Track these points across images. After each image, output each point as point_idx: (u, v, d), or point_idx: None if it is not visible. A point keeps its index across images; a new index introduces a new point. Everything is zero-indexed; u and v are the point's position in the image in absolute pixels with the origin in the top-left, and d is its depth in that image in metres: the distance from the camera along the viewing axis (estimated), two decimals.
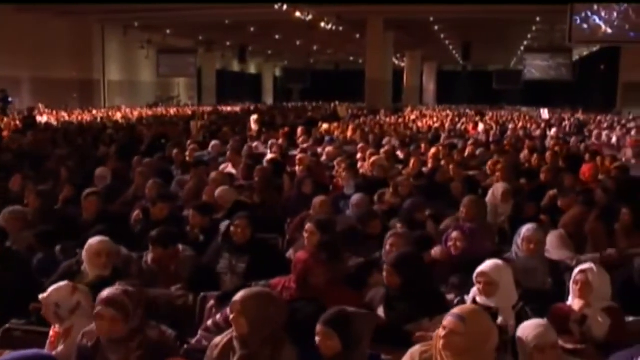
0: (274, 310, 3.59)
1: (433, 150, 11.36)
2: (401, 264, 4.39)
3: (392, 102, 41.30)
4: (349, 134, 17.66)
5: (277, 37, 43.52)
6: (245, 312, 3.51)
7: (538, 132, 20.43)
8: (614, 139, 24.67)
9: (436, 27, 38.63)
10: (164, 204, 6.81)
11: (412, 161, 10.33)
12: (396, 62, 51.94)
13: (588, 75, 50.60)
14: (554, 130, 21.03)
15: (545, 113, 29.44)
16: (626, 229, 6.66)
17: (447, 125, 22.60)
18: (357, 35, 39.73)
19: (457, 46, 45.31)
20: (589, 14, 23.32)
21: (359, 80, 38.92)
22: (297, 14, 29.65)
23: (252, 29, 40.35)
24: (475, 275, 4.20)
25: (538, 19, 35.51)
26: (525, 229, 5.19)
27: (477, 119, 27.24)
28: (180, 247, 5.61)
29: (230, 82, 56.43)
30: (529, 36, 42.23)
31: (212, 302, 4.80)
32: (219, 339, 3.68)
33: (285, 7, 28.97)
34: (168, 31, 42.45)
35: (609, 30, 23.25)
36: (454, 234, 5.39)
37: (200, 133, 18.89)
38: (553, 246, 5.90)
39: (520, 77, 42.75)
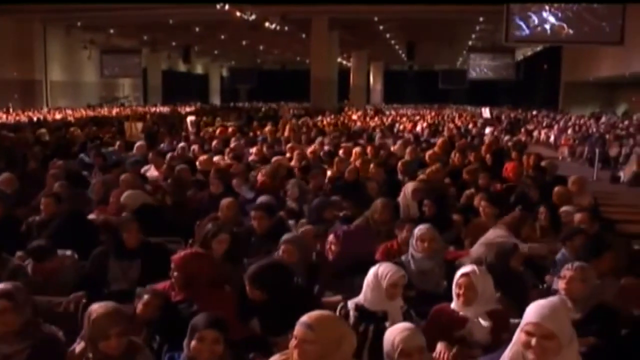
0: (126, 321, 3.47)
1: (357, 149, 11.28)
2: (259, 278, 4.24)
3: (338, 102, 41.39)
4: (286, 133, 17.55)
5: (222, 37, 43.22)
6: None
7: (474, 131, 20.56)
8: (552, 138, 25.09)
9: (381, 27, 38.80)
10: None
11: (335, 160, 10.23)
12: (343, 62, 52.08)
13: (531, 75, 51.50)
14: (488, 129, 21.23)
15: (486, 112, 29.72)
16: (543, 228, 6.68)
17: (386, 124, 22.65)
18: (303, 35, 39.71)
19: (402, 46, 45.60)
20: (528, 14, 23.59)
21: (306, 80, 38.90)
22: (238, 13, 29.40)
23: (196, 29, 40.03)
24: (389, 279, 4.02)
25: (481, 19, 35.95)
26: (418, 228, 5.10)
27: (417, 118, 27.37)
28: (68, 252, 5.42)
29: (177, 82, 55.94)
30: (473, 36, 42.79)
31: None
32: (78, 348, 3.54)
33: (227, 7, 28.78)
34: (111, 31, 41.88)
35: (547, 31, 23.55)
36: (330, 238, 5.30)
37: (141, 134, 18.60)
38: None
39: (465, 77, 43.22)
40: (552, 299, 3.23)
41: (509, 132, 21.08)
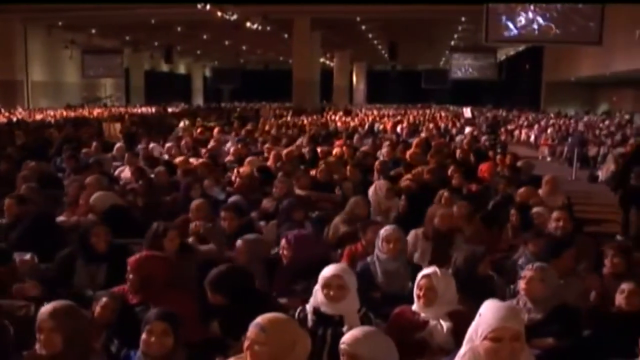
0: (84, 322, 3.42)
1: (336, 150, 11.29)
2: (218, 283, 4.20)
3: (320, 102, 41.42)
4: (267, 134, 17.50)
5: (204, 37, 43.09)
6: (58, 328, 3.32)
7: (454, 131, 20.62)
8: (532, 137, 25.26)
9: (363, 27, 38.84)
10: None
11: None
12: (326, 62, 52.10)
13: (514, 75, 51.77)
14: (468, 129, 21.29)
15: (467, 112, 29.79)
16: (514, 229, 6.69)
17: (367, 124, 22.65)
18: (285, 35, 39.69)
19: (385, 46, 45.67)
20: (508, 14, 23.67)
21: (289, 80, 38.88)
22: (219, 13, 29.33)
23: (179, 29, 39.91)
24: (325, 279, 3.97)
25: (463, 19, 36.07)
26: (384, 229, 5.06)
27: (398, 118, 27.40)
28: (27, 256, 5.36)
29: (160, 82, 55.73)
30: (455, 36, 42.92)
31: None
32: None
33: (208, 6, 28.71)
34: (93, 31, 41.69)
35: (526, 31, 23.64)
36: (282, 243, 5.24)
37: (119, 135, 18.46)
38: None
39: (448, 77, 43.36)
40: (503, 302, 3.22)
41: (488, 132, 21.06)
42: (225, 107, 44.47)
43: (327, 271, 3.98)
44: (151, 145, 13.48)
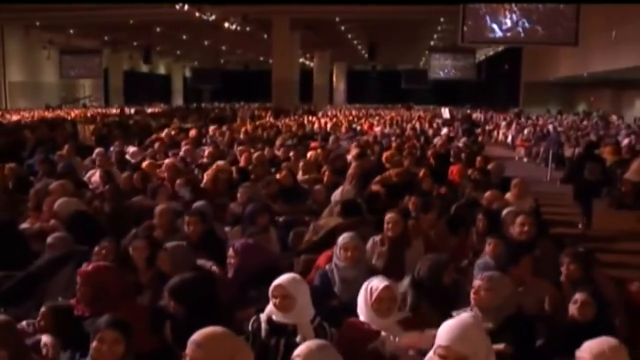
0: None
1: (311, 153, 11.23)
2: (179, 292, 4.15)
3: (300, 102, 41.38)
4: (241, 135, 17.39)
5: (184, 37, 42.94)
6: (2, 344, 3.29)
7: (431, 132, 20.63)
8: (509, 138, 25.36)
9: (343, 27, 38.86)
10: None
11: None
12: (306, 62, 52.07)
13: (493, 75, 52.02)
14: (444, 130, 21.33)
15: (446, 112, 29.88)
16: (479, 234, 6.67)
17: (344, 125, 22.57)
18: (265, 36, 39.61)
19: (365, 46, 45.74)
20: (483, 15, 23.76)
21: (269, 80, 38.84)
22: (197, 14, 29.24)
23: (158, 29, 39.71)
24: (271, 289, 3.98)
25: (442, 19, 36.19)
26: (341, 237, 5.01)
27: (376, 119, 27.38)
28: None
29: (139, 83, 55.40)
30: (435, 36, 43.03)
31: None
32: None
33: (186, 7, 28.62)
34: (71, 31, 41.37)
35: (503, 32, 23.75)
36: (229, 252, 5.19)
37: (91, 137, 18.33)
38: None
39: (428, 77, 43.45)
40: (463, 318, 3.22)
41: (466, 133, 21.09)
42: (205, 108, 44.24)
43: (275, 281, 3.99)
44: (130, 148, 13.21)
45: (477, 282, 4.14)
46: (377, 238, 5.81)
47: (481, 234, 6.62)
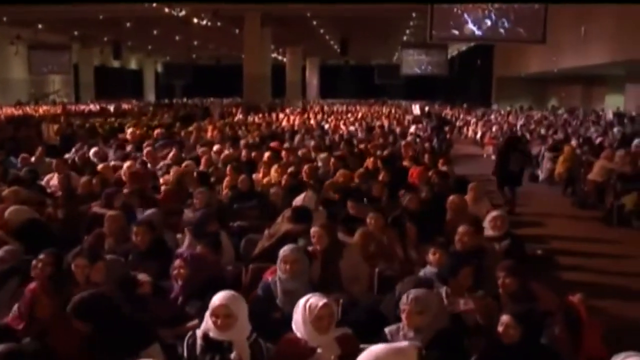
0: None
1: (267, 154, 11.14)
2: (80, 310, 4.03)
3: (273, 97, 41.24)
4: (209, 134, 17.24)
5: (155, 32, 42.53)
6: None
7: (399, 130, 20.55)
8: (478, 135, 25.44)
9: (314, 22, 38.73)
10: None
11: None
12: (279, 57, 51.87)
13: (465, 70, 52.18)
14: (413, 127, 21.29)
15: (416, 108, 29.87)
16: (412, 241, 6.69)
17: (314, 123, 22.47)
18: (237, 31, 39.36)
19: (337, 41, 45.62)
20: (452, 13, 23.77)
21: (242, 75, 38.59)
22: (167, 10, 28.99)
23: (128, 24, 39.27)
24: (212, 308, 3.93)
25: (414, 14, 36.16)
26: (282, 250, 5.01)
27: (346, 116, 27.27)
28: None
29: (110, 78, 54.78)
30: (407, 32, 43.02)
31: None
32: None
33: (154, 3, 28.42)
34: (40, 26, 40.76)
35: (471, 29, 23.78)
36: (176, 263, 5.11)
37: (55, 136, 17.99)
38: None
39: (401, 72, 43.45)
40: (400, 347, 3.27)
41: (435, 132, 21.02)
42: (176, 104, 43.83)
43: (215, 300, 3.96)
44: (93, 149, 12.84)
45: (405, 307, 4.13)
46: (311, 249, 5.79)
47: (412, 242, 6.66)
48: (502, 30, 23.81)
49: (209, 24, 34.27)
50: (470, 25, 23.50)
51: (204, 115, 28.09)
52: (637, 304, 7.40)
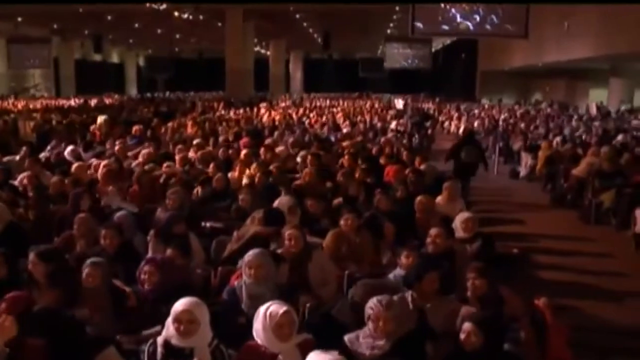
0: None
1: (244, 151, 11.02)
2: (32, 324, 3.96)
3: (256, 91, 41.07)
4: (189, 130, 17.08)
5: (136, 25, 42.20)
6: None
7: (379, 125, 20.46)
8: (461, 129, 25.36)
9: (297, 16, 38.59)
10: None
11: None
12: (262, 51, 51.63)
13: (450, 64, 52.23)
14: (394, 123, 21.22)
15: (399, 103, 29.77)
16: (389, 242, 6.62)
17: (295, 118, 22.32)
18: (219, 24, 39.14)
19: (321, 35, 45.47)
20: (434, 8, 23.71)
21: (224, 69, 38.37)
22: (147, 4, 28.79)
23: (109, 17, 38.94)
24: (175, 314, 3.88)
25: (397, 8, 36.08)
26: (247, 254, 4.94)
27: (327, 111, 27.08)
28: None
29: (91, 72, 54.24)
30: (391, 25, 42.91)
31: None
32: None
33: None
34: (19, 19, 40.32)
35: (453, 24, 23.72)
36: (145, 268, 5.02)
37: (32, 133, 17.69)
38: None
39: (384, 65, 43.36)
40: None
41: (415, 127, 20.99)
42: (157, 98, 43.37)
43: (178, 306, 3.91)
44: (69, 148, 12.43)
45: (378, 313, 4.07)
46: (279, 252, 5.72)
47: (389, 243, 6.60)
48: (485, 26, 23.79)
49: (191, 17, 34.06)
50: (453, 20, 23.45)
51: (185, 111, 27.63)
52: (610, 303, 7.38)
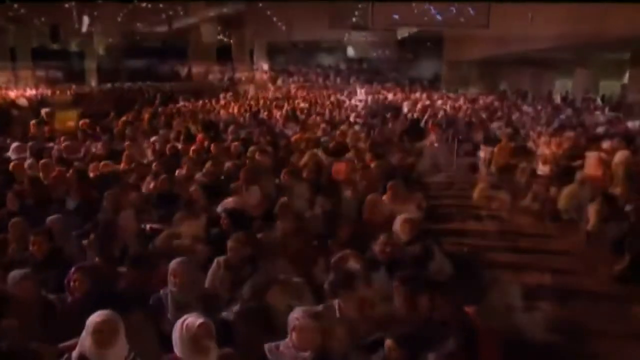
0: None
1: (192, 148, 10.75)
2: None
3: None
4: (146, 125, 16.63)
5: (95, 13, 41.39)
6: None
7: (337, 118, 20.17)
8: (422, 122, 25.15)
9: (260, 5, 38.24)
10: None
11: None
12: (224, 39, 51.07)
13: (416, 52, 52.12)
14: (352, 116, 20.98)
15: (361, 93, 29.51)
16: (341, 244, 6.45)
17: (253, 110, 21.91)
18: (181, 12, 38.66)
19: (284, 22, 45.04)
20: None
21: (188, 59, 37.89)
22: None
23: (66, 5, 38.10)
24: (94, 325, 3.75)
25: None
26: (172, 262, 4.87)
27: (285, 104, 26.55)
28: None
29: (50, 61, 52.89)
30: (356, 13, 42.67)
31: None
32: None
33: None
34: None
35: (415, 15, 23.70)
36: (74, 275, 4.89)
37: None
38: None
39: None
40: None
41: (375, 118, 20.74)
42: (117, 89, 42.19)
43: (96, 317, 3.80)
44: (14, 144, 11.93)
45: (301, 324, 3.97)
46: (222, 260, 5.56)
47: (342, 244, 6.41)
48: (446, 16, 23.80)
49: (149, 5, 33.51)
50: (414, 11, 23.40)
51: (144, 102, 26.83)
52: (566, 301, 7.32)
